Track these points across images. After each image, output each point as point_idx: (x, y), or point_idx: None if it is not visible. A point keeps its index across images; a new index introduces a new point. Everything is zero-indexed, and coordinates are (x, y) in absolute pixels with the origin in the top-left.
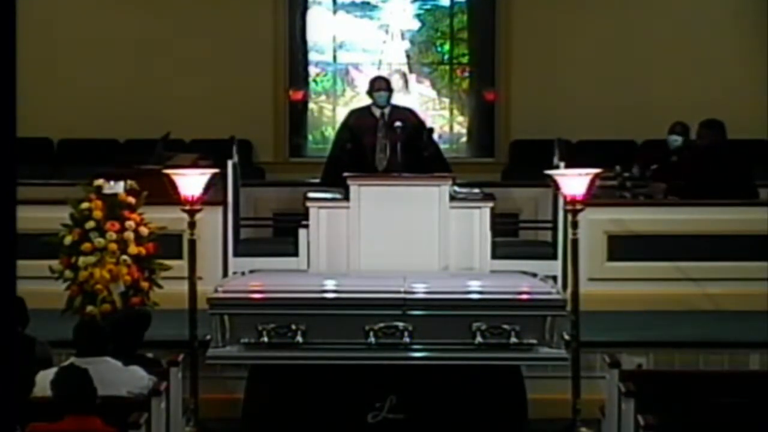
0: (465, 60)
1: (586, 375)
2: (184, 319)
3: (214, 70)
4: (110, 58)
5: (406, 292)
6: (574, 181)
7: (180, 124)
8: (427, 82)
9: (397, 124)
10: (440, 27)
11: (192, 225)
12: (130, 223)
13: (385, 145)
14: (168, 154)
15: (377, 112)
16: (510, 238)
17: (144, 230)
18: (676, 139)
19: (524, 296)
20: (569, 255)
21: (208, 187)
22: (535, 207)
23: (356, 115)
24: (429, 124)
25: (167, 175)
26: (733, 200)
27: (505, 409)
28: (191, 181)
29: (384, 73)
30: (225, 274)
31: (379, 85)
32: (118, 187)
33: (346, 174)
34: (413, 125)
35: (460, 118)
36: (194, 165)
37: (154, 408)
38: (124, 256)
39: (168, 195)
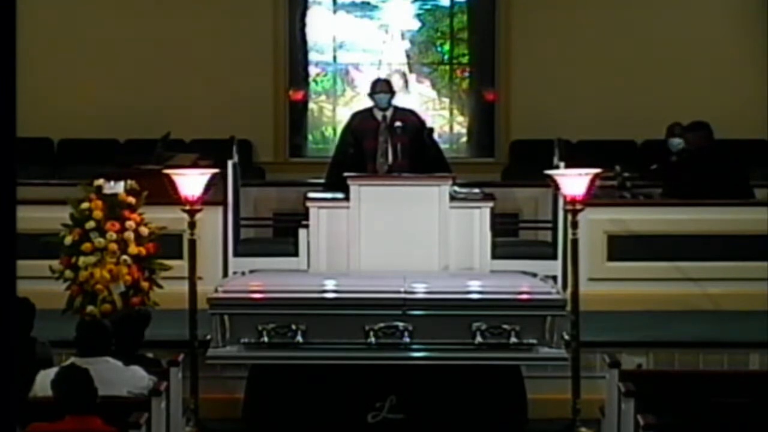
0: (465, 60)
1: (586, 375)
2: (184, 319)
3: (214, 70)
4: (110, 58)
5: (406, 292)
6: (574, 181)
7: (180, 124)
8: (427, 82)
9: (398, 124)
10: (440, 27)
11: (192, 225)
12: (130, 223)
13: (386, 149)
14: (168, 154)
15: (379, 114)
16: (510, 238)
17: (144, 230)
18: (680, 143)
19: (524, 296)
20: (569, 255)
21: (208, 187)
22: (535, 207)
23: (359, 117)
24: (429, 124)
25: (167, 175)
26: (732, 200)
27: (505, 409)
28: (191, 181)
29: (384, 73)
30: (225, 274)
31: (381, 87)
32: (118, 187)
33: (346, 174)
34: (415, 127)
35: (460, 118)
36: (194, 165)
37: (154, 408)
38: (125, 256)
39: (168, 195)
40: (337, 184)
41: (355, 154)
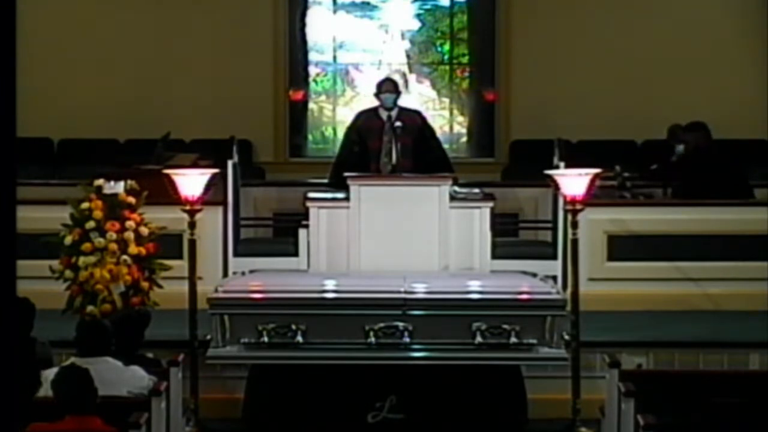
0: (465, 60)
1: (586, 375)
2: (184, 319)
3: (214, 70)
4: (110, 58)
5: (406, 292)
6: (574, 181)
7: (180, 124)
8: (427, 82)
9: (397, 124)
10: (440, 27)
11: (192, 225)
12: (130, 223)
13: (390, 148)
14: (168, 154)
15: (384, 114)
16: (510, 238)
17: (144, 230)
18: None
19: (524, 296)
20: (569, 255)
21: (208, 187)
22: (535, 207)
23: (364, 116)
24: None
25: (167, 175)
26: (732, 200)
27: (505, 409)
28: (191, 181)
29: (384, 73)
30: (225, 274)
31: (387, 87)
32: (118, 187)
33: (347, 174)
34: (417, 127)
35: (460, 118)
36: (194, 165)
37: (154, 408)
38: (125, 256)
39: (168, 195)
40: (341, 182)
41: (360, 153)
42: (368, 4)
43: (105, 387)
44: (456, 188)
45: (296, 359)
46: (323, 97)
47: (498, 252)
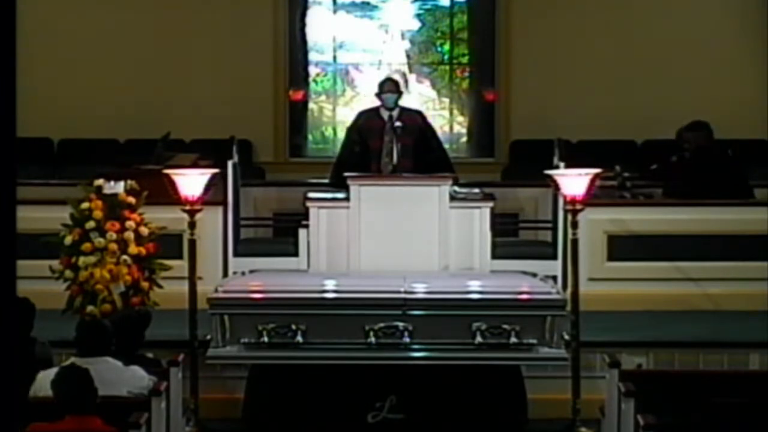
0: (465, 60)
1: (586, 375)
2: (184, 319)
3: (214, 70)
4: (110, 58)
5: (406, 292)
6: (574, 181)
7: (180, 124)
8: (427, 82)
9: (397, 124)
10: (440, 27)
11: (192, 225)
12: (130, 223)
13: (391, 148)
14: (168, 154)
15: (385, 114)
16: (510, 238)
17: (144, 230)
18: None
19: (524, 296)
20: (569, 255)
21: (208, 187)
22: (535, 207)
23: (365, 116)
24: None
25: (167, 175)
26: (732, 200)
27: (505, 409)
28: (191, 181)
29: (384, 73)
30: (225, 274)
31: (389, 87)
32: (118, 187)
33: (347, 174)
34: (417, 127)
35: (460, 118)
36: (194, 165)
37: (154, 408)
38: (125, 256)
39: (168, 195)
40: (341, 182)
41: (360, 153)
42: (368, 4)
43: (105, 387)
44: (456, 188)
45: (296, 359)
46: (323, 97)
47: (498, 252)
